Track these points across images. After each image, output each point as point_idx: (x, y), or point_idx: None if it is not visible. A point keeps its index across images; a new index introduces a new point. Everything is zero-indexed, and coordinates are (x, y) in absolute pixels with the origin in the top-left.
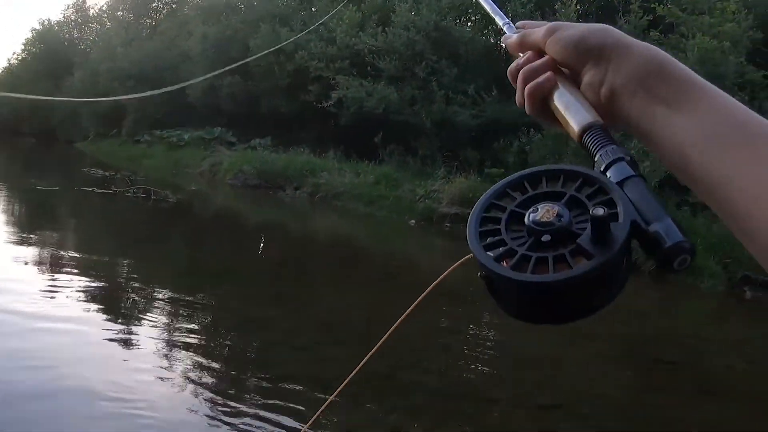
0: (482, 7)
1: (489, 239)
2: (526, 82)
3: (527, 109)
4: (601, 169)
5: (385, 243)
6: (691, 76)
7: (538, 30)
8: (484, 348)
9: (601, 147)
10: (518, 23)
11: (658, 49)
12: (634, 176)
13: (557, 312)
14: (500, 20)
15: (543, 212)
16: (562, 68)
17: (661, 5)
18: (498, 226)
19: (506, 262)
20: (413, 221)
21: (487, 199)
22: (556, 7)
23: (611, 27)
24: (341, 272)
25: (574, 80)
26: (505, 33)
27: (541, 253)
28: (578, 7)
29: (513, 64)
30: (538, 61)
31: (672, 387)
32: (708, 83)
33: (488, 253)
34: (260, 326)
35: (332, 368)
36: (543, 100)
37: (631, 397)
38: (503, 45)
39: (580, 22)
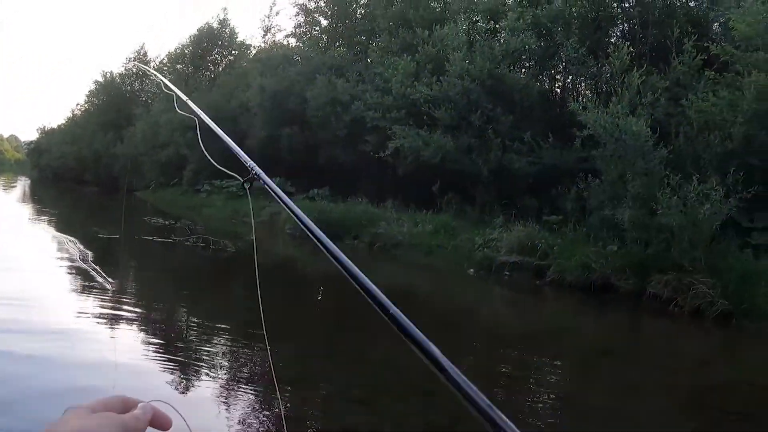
0: None
1: None
2: None
3: None
4: None
5: (445, 293)
6: None
7: None
8: (542, 396)
9: None
10: None
11: None
12: None
13: None
14: None
15: None
16: None
17: (714, 44)
18: None
19: None
20: (472, 270)
21: None
22: (609, 50)
23: None
24: None
25: None
26: None
27: None
28: (631, 49)
29: None
30: None
31: None
32: None
33: None
34: (316, 380)
35: (390, 422)
36: None
37: None
38: None
39: (634, 64)
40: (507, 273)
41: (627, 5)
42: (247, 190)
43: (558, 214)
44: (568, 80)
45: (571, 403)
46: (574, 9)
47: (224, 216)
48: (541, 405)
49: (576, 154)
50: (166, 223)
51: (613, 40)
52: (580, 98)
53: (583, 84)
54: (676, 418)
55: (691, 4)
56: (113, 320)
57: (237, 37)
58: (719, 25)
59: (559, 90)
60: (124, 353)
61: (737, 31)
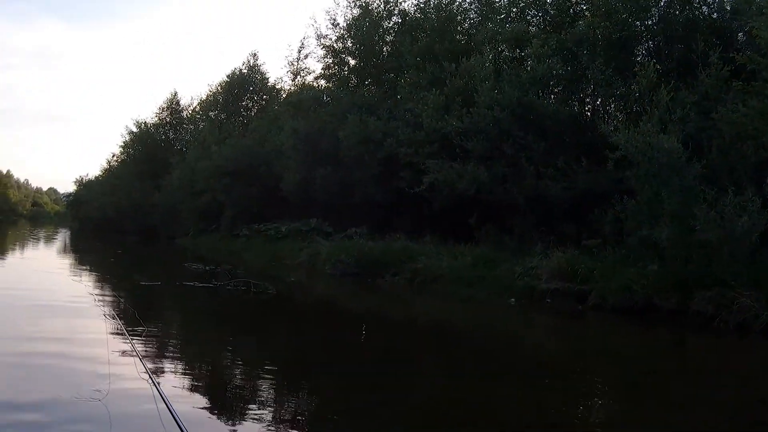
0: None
1: None
2: None
3: None
4: None
5: (487, 324)
6: None
7: None
8: (590, 419)
9: None
10: None
11: None
12: None
13: None
14: None
15: None
16: None
17: (740, 54)
18: None
19: None
20: (513, 300)
21: None
22: (635, 69)
23: None
24: (442, 357)
25: None
26: None
27: None
28: (657, 66)
29: None
30: None
31: None
32: None
33: None
34: (360, 414)
35: None
36: None
37: None
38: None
39: (661, 81)
40: (548, 300)
41: (650, 22)
42: None
43: (596, 237)
44: (597, 102)
45: (621, 425)
46: (597, 31)
47: (264, 259)
48: (590, 429)
49: (610, 176)
50: (207, 268)
51: (638, 59)
52: (610, 120)
53: (612, 105)
54: None
55: (714, 15)
56: (157, 361)
57: (268, 82)
58: (743, 35)
59: (588, 113)
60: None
61: (761, 39)
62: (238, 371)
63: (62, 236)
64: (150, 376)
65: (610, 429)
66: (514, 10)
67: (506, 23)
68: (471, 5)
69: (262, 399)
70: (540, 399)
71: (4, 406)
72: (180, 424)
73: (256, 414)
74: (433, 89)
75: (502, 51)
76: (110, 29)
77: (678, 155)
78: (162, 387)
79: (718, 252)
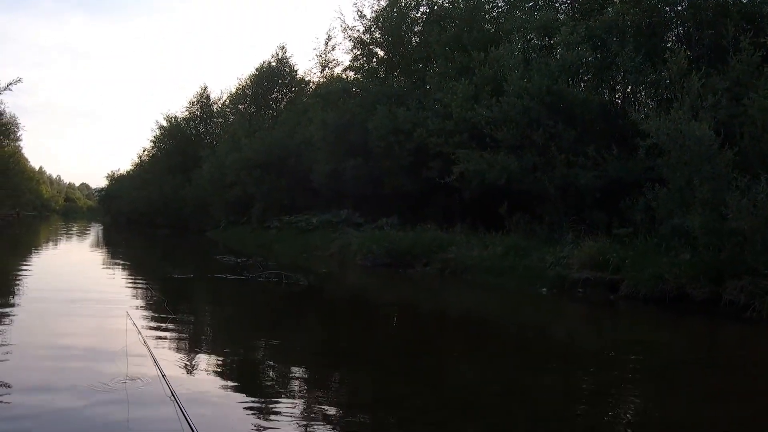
0: None
1: None
2: None
3: None
4: None
5: (518, 314)
6: None
7: None
8: (622, 410)
9: None
10: None
11: None
12: None
13: None
14: None
15: None
16: None
17: None
18: None
19: None
20: (545, 289)
21: None
22: (665, 56)
23: None
24: (474, 347)
25: None
26: None
27: None
28: (688, 53)
29: None
30: None
31: None
32: None
33: None
34: (393, 404)
35: None
36: None
37: None
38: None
39: (692, 68)
40: (580, 290)
41: (680, 8)
42: None
43: (627, 226)
44: (628, 90)
45: (653, 415)
46: (627, 17)
47: (295, 251)
48: (622, 419)
49: (641, 164)
50: (238, 260)
51: (668, 45)
52: (641, 107)
53: (642, 92)
54: (760, 424)
55: (744, 0)
56: (187, 351)
57: (296, 74)
58: None
59: (619, 100)
60: (196, 390)
61: None
62: (269, 361)
63: (95, 230)
64: (161, 372)
65: (641, 419)
66: None
67: (535, 11)
68: None
69: (294, 388)
70: (572, 388)
71: (34, 392)
72: (189, 421)
73: (287, 403)
74: (462, 79)
75: (531, 39)
76: (137, 22)
77: (710, 142)
78: (192, 375)
79: (751, 240)
